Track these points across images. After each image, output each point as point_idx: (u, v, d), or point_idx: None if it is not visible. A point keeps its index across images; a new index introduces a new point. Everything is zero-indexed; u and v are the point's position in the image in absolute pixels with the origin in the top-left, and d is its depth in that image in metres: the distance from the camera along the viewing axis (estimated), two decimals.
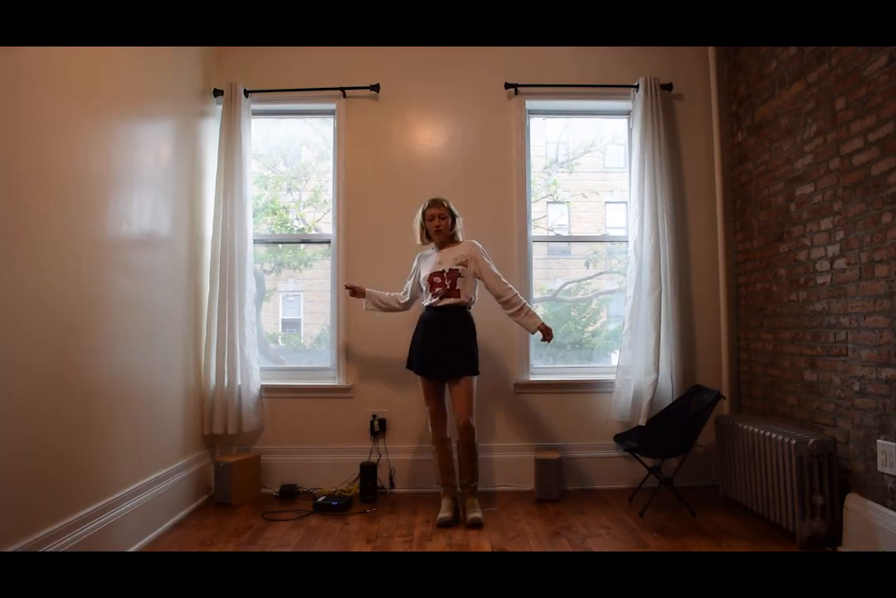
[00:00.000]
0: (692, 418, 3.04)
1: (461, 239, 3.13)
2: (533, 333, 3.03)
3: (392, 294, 3.23)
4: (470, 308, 3.07)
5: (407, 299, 3.21)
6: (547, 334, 2.97)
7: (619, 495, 3.36)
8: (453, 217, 3.08)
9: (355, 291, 3.22)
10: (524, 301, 3.03)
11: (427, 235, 3.11)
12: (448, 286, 2.98)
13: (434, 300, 3.00)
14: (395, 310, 3.25)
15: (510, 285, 3.04)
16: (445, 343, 2.96)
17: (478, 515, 2.90)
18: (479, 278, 3.05)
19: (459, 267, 3.00)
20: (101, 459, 2.42)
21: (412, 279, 3.19)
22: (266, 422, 3.54)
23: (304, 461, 3.50)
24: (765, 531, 2.78)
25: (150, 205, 2.86)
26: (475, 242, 3.11)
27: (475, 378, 2.99)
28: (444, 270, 3.01)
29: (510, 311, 3.02)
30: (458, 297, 2.99)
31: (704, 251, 3.65)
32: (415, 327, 3.12)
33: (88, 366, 2.34)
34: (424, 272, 3.08)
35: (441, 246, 3.11)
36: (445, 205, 3.05)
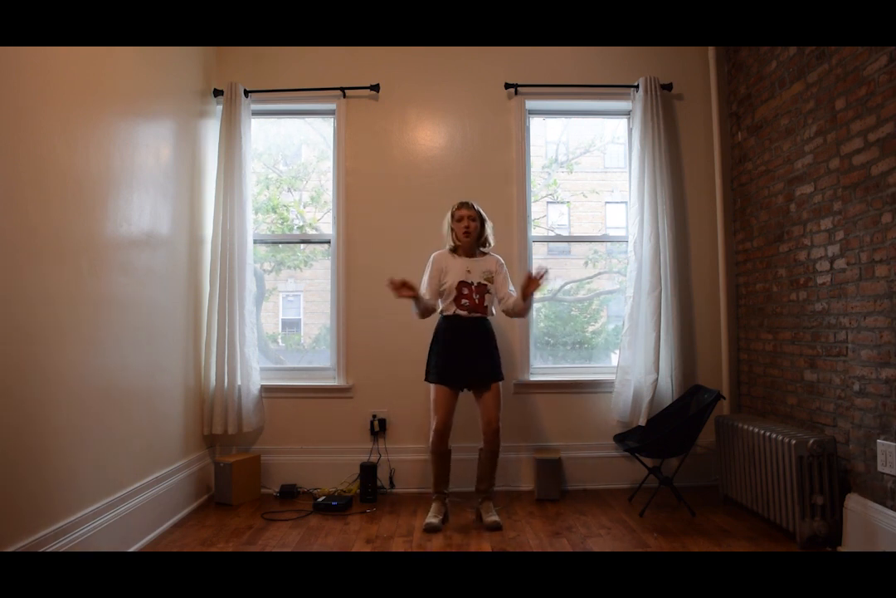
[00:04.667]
0: (692, 419, 3.04)
1: (492, 243, 3.08)
2: (526, 298, 2.87)
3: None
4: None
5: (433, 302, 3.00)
6: (535, 281, 2.80)
7: (619, 495, 3.36)
8: (482, 221, 3.01)
9: (404, 288, 2.77)
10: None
11: (456, 239, 2.99)
12: (476, 301, 2.95)
13: (462, 313, 2.94)
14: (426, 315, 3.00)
15: None
16: (473, 351, 2.93)
17: (496, 518, 2.88)
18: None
19: (488, 283, 2.97)
20: (101, 459, 2.41)
21: (431, 281, 2.97)
22: (266, 422, 3.54)
23: (304, 461, 3.50)
24: (765, 531, 2.78)
25: (150, 205, 2.86)
26: (501, 258, 3.09)
27: (501, 383, 3.01)
28: (472, 283, 2.95)
29: (506, 307, 3.01)
30: (485, 313, 2.98)
31: (704, 251, 3.65)
32: (432, 335, 3.02)
33: (87, 366, 2.34)
34: (452, 278, 2.94)
35: (468, 253, 3.01)
36: (475, 208, 3.00)
